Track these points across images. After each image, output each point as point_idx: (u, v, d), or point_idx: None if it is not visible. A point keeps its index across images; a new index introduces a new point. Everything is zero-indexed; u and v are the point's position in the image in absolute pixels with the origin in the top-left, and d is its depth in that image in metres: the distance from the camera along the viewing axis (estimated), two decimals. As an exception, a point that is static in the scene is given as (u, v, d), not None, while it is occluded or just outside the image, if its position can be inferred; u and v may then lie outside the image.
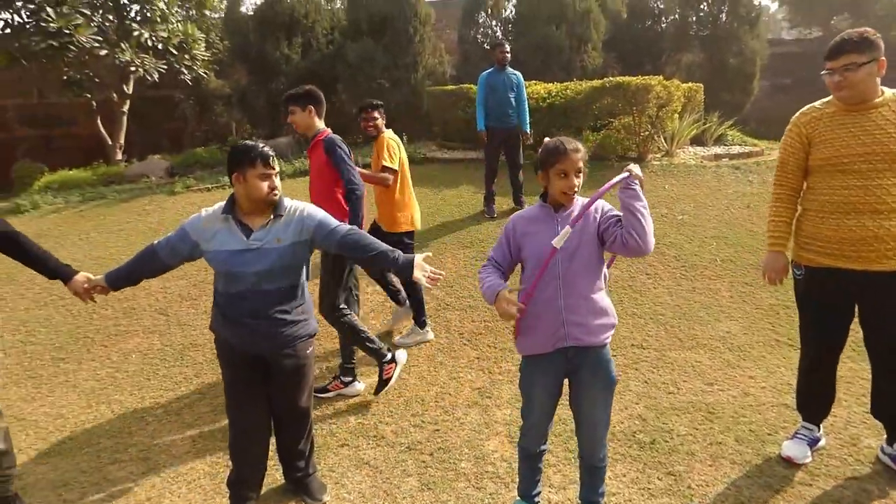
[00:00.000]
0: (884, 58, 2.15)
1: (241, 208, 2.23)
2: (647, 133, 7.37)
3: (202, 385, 3.66)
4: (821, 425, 2.61)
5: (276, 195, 2.21)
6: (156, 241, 2.30)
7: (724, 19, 11.51)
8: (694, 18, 11.78)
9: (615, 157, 7.18)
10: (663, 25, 12.22)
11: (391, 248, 2.26)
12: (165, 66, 10.34)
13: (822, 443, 2.60)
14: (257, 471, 2.39)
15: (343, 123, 11.14)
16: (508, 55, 5.85)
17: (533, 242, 2.02)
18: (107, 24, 9.76)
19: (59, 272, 2.36)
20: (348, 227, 2.30)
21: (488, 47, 11.75)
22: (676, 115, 7.79)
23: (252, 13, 11.07)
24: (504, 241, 2.09)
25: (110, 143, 11.04)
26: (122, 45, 9.73)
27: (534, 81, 8.16)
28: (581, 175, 1.98)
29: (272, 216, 2.23)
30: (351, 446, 2.90)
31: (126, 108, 11.22)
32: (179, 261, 2.29)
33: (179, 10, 10.69)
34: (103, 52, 9.57)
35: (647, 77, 7.34)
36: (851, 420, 2.83)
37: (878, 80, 2.20)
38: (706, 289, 4.56)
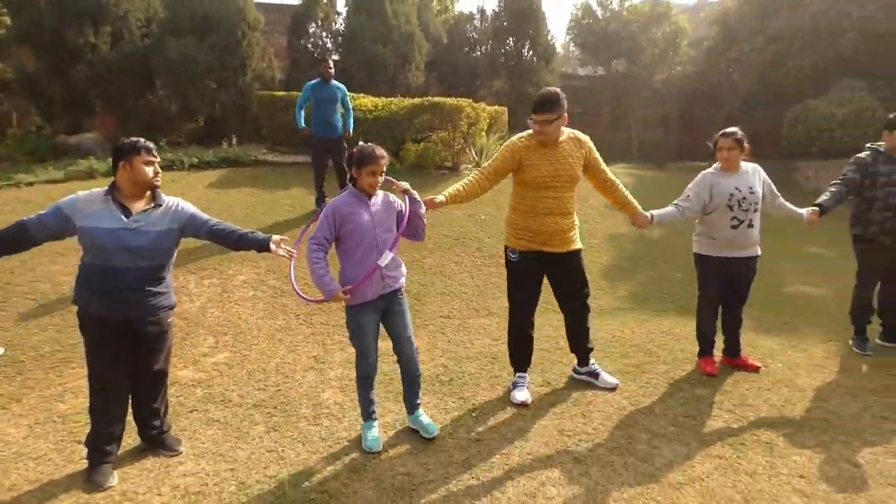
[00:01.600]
0: (566, 114, 3.17)
1: (123, 193, 2.56)
2: (459, 146, 8.58)
3: (28, 379, 3.65)
4: (527, 371, 3.52)
5: (158, 179, 2.62)
6: (26, 218, 2.49)
7: (525, 55, 13.52)
8: (502, 51, 13.63)
9: (433, 167, 8.24)
10: (478, 53, 13.88)
11: (250, 230, 2.80)
12: None
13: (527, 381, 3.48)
14: (117, 427, 2.69)
15: (162, 122, 10.68)
16: (332, 70, 6.37)
17: (354, 219, 2.73)
18: None
19: None
20: (216, 219, 2.79)
21: (317, 57, 12.23)
22: (484, 133, 9.16)
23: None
24: (328, 222, 2.73)
25: None
26: None
27: (361, 94, 8.89)
28: (382, 175, 2.74)
29: (153, 204, 2.61)
30: (200, 410, 3.29)
31: None
32: (46, 237, 2.51)
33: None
34: None
35: (459, 99, 8.57)
36: (545, 360, 3.94)
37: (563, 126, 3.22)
38: (499, 273, 5.68)
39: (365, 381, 2.91)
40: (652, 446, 2.86)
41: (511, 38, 13.67)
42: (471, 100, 8.93)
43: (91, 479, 2.58)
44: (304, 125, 6.33)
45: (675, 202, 3.62)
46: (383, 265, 2.70)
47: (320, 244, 2.73)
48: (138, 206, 2.60)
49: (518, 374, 3.50)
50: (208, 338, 4.24)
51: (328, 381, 3.67)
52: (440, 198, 3.01)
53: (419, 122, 8.46)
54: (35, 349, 3.95)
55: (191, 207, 2.76)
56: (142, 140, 2.61)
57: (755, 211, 3.55)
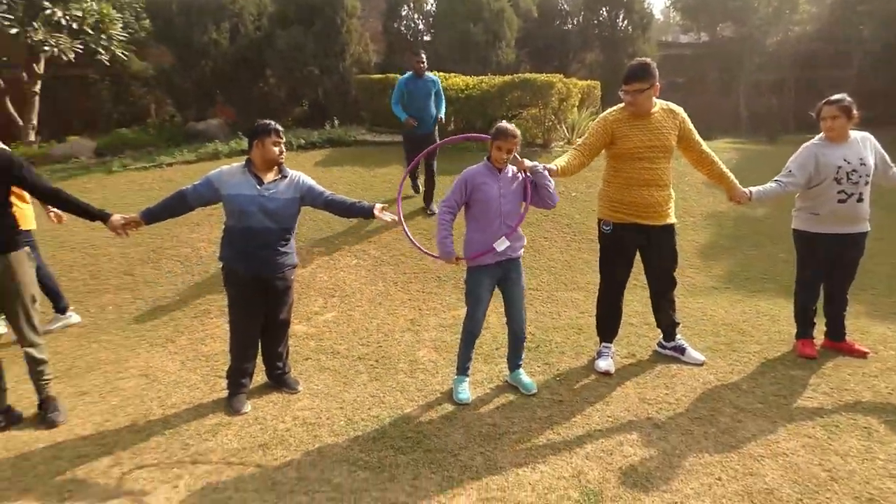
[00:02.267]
0: (658, 84, 3.21)
1: (256, 166, 3.04)
2: (550, 123, 8.57)
3: (179, 325, 4.36)
4: (612, 341, 3.63)
5: (283, 157, 3.07)
6: (183, 188, 3.04)
7: (620, 24, 13.03)
8: (595, 22, 13.22)
9: (524, 144, 8.32)
10: (569, 26, 13.57)
11: (358, 200, 3.21)
12: (81, 47, 10.19)
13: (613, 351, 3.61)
14: (251, 364, 3.22)
15: (273, 108, 11.61)
16: (424, 65, 5.99)
17: (483, 189, 3.00)
18: (16, 1, 9.52)
19: (99, 216, 3.01)
20: (329, 191, 3.21)
21: (411, 39, 12.61)
22: (575, 108, 9.07)
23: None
24: (460, 189, 3.04)
25: (21, 123, 10.70)
26: (34, 23, 9.55)
27: (453, 74, 9.12)
28: (511, 152, 2.98)
29: (280, 175, 3.08)
30: (313, 359, 3.77)
31: (37, 87, 10.92)
32: (198, 204, 3.04)
33: (93, -11, 10.48)
34: (13, 31, 9.37)
35: (550, 74, 8.54)
36: (632, 334, 4.00)
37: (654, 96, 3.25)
38: (588, 249, 5.77)
39: (469, 337, 3.20)
40: (736, 420, 2.90)
41: (604, 8, 13.20)
42: (562, 75, 8.86)
43: (230, 405, 3.13)
44: (405, 115, 6.00)
45: (776, 178, 3.51)
46: (499, 250, 2.98)
47: (451, 208, 3.05)
48: (269, 176, 3.07)
49: (603, 344, 3.63)
50: (318, 298, 4.75)
51: (423, 341, 4.02)
52: (553, 166, 3.15)
53: (510, 99, 8.55)
54: (182, 301, 4.68)
55: (309, 180, 3.19)
56: (272, 123, 3.06)
57: (866, 184, 3.36)
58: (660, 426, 2.85)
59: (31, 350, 3.03)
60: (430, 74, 6.15)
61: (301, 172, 3.22)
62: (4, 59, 10.20)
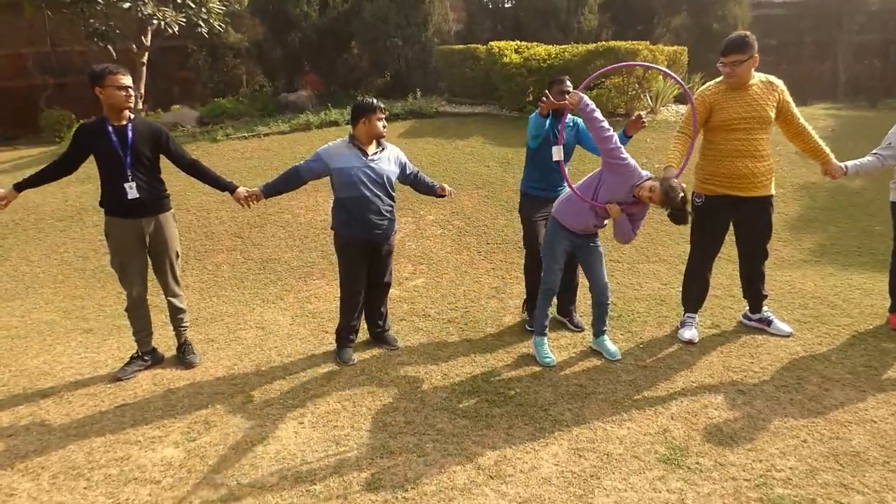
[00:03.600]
0: (756, 55, 3.18)
1: (360, 140, 3.34)
2: (634, 92, 8.38)
3: (286, 285, 4.84)
4: (697, 312, 3.69)
5: (385, 131, 3.37)
6: (297, 164, 3.40)
7: (710, -16, 12.25)
8: (683, -18, 12.49)
9: (605, 113, 8.21)
10: (655, -12, 12.91)
11: (433, 181, 3.57)
12: (184, 19, 10.95)
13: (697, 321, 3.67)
14: (358, 322, 3.59)
15: (356, 78, 12.01)
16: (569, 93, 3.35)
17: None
18: (128, -21, 10.33)
19: (227, 187, 3.44)
20: (417, 168, 3.57)
21: (490, 7, 12.50)
22: (660, 77, 8.78)
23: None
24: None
25: (131, 93, 11.67)
26: (144, -1, 10.35)
27: (535, 43, 9.05)
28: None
29: (380, 148, 3.38)
30: (407, 321, 4.11)
31: (145, 59, 11.87)
32: (310, 177, 3.38)
33: (195, -35, 11.17)
34: (126, 5, 10.21)
35: (634, 42, 8.31)
36: (716, 305, 4.02)
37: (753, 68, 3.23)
38: (669, 222, 5.72)
39: (547, 294, 3.39)
40: (823, 388, 2.95)
41: (695, -32, 12.43)
42: (647, 42, 8.58)
43: (340, 356, 3.51)
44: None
45: (875, 151, 3.41)
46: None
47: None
48: (371, 149, 3.36)
49: (687, 314, 3.71)
50: (408, 265, 5.09)
51: (507, 308, 4.26)
52: (671, 170, 3.24)
53: (592, 68, 8.40)
54: (287, 263, 5.18)
55: (403, 155, 3.53)
56: (376, 101, 3.33)
57: None
58: (745, 392, 2.95)
59: (174, 300, 3.53)
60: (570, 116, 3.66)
61: (397, 147, 3.52)
62: (118, 31, 11.13)
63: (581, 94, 2.98)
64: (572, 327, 3.84)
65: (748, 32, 3.25)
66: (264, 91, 12.39)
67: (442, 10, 11.37)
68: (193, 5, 10.90)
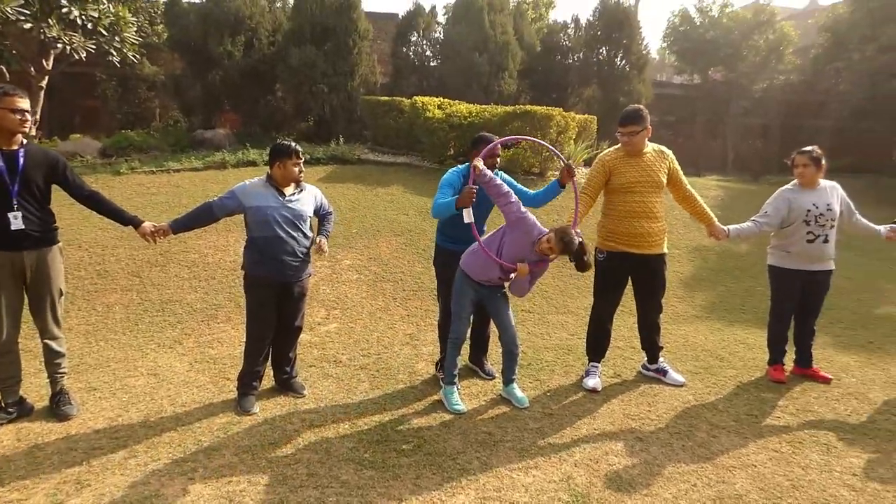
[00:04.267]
0: (649, 127, 3.54)
1: (277, 182, 3.27)
2: (547, 153, 8.93)
3: (186, 328, 4.53)
4: (600, 362, 3.87)
5: (302, 175, 3.34)
6: (210, 200, 3.26)
7: (618, 63, 13.56)
8: (595, 59, 13.74)
9: (521, 172, 8.65)
10: (570, 61, 14.08)
11: (325, 227, 3.59)
12: (94, 46, 10.39)
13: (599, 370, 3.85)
14: (262, 368, 3.41)
15: (279, 120, 11.90)
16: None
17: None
18: (33, -2, 9.75)
19: (131, 221, 3.22)
20: (331, 210, 3.59)
21: (417, 64, 13.01)
22: (572, 141, 9.44)
23: (194, 6, 11.44)
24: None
25: (24, 118, 10.80)
26: (50, 20, 9.77)
27: (457, 101, 9.47)
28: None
29: (299, 188, 3.34)
30: (317, 367, 3.96)
31: (44, 83, 11.08)
32: (223, 215, 3.25)
33: (109, -9, 10.74)
34: (28, 26, 9.58)
35: (549, 108, 8.92)
36: (618, 356, 4.26)
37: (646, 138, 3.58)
38: (579, 275, 5.96)
39: (456, 342, 3.41)
40: (711, 435, 3.15)
41: (604, 47, 13.72)
42: (561, 108, 9.25)
43: (240, 405, 3.30)
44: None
45: (753, 218, 3.84)
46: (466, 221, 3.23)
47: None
48: (289, 190, 3.31)
49: (591, 364, 3.87)
50: (321, 310, 4.95)
51: (421, 354, 4.23)
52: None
53: (510, 128, 8.89)
54: (189, 305, 4.85)
55: (322, 196, 3.53)
56: (293, 144, 3.29)
57: (831, 227, 3.71)
58: (642, 439, 3.08)
59: (52, 343, 3.18)
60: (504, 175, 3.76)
61: (314, 187, 3.51)
62: (14, 52, 10.36)
63: (479, 164, 3.16)
64: (484, 375, 3.86)
65: (642, 106, 3.62)
66: (178, 126, 11.94)
67: (369, 62, 11.66)
68: (106, 33, 10.42)
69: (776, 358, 3.96)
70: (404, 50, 12.83)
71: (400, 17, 13.31)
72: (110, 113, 13.35)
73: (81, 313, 4.70)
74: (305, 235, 3.35)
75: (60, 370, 3.24)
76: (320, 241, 3.40)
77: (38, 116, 10.89)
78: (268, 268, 3.25)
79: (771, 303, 3.99)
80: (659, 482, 2.68)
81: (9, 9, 9.05)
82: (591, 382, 3.71)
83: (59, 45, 9.98)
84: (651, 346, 3.89)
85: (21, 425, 3.07)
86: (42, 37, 9.66)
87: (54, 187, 3.15)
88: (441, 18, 13.43)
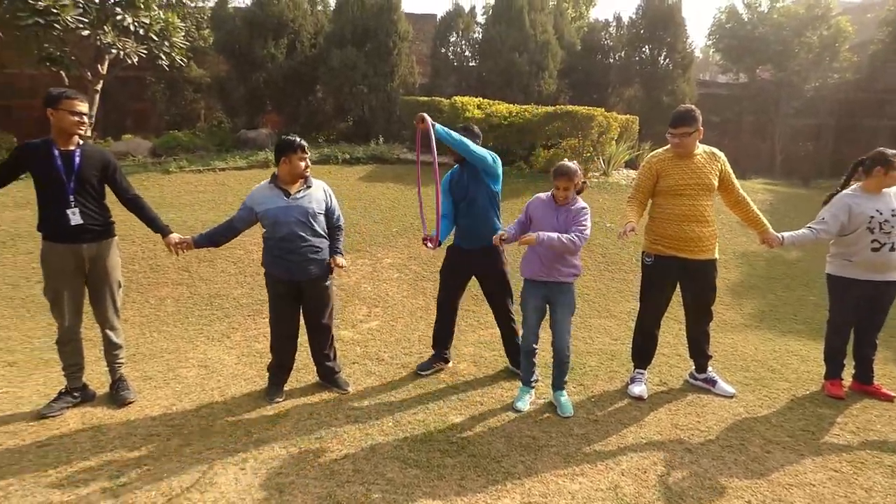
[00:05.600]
0: (701, 128, 3.44)
1: (282, 180, 3.29)
2: (588, 154, 8.80)
3: (233, 322, 4.65)
4: (646, 369, 3.80)
5: (308, 171, 3.33)
6: (231, 218, 3.33)
7: (661, 62, 13.27)
8: (637, 58, 13.48)
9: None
10: (611, 61, 13.86)
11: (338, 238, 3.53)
12: (145, 51, 10.82)
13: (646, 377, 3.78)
14: (288, 361, 3.51)
15: (319, 121, 12.10)
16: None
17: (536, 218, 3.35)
18: (90, 6, 10.18)
19: (162, 229, 3.34)
20: (341, 218, 3.54)
21: (456, 65, 13.03)
22: (614, 142, 9.29)
23: (239, 11, 11.76)
24: (522, 217, 3.42)
25: (82, 119, 11.27)
26: (105, 27, 10.21)
27: (497, 101, 9.44)
28: (568, 189, 3.23)
29: (305, 186, 3.33)
30: (360, 363, 4.01)
31: (99, 87, 11.55)
32: (244, 226, 3.32)
33: (160, -2, 11.16)
34: (85, 33, 10.02)
35: (591, 108, 8.80)
36: (663, 363, 4.14)
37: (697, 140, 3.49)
38: (622, 279, 5.93)
39: (523, 352, 3.50)
40: (765, 450, 3.03)
41: (647, 46, 13.44)
42: (602, 108, 9.11)
43: (266, 394, 3.44)
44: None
45: (809, 224, 3.67)
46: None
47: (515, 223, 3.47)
48: (294, 188, 3.31)
49: (637, 370, 3.79)
50: (363, 307, 5.01)
51: (462, 355, 4.23)
52: (631, 225, 3.37)
53: (550, 129, 8.81)
54: (236, 300, 4.99)
55: (332, 195, 3.47)
56: (298, 139, 3.27)
57: None
58: (691, 450, 3.00)
59: (111, 333, 3.33)
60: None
61: (324, 183, 3.48)
62: (73, 58, 10.85)
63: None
64: (442, 361, 3.94)
65: (694, 107, 3.51)
66: (223, 127, 12.29)
67: (409, 63, 11.74)
68: (156, 38, 10.82)
69: (834, 372, 3.78)
70: (443, 50, 12.86)
71: (439, 17, 13.36)
72: (159, 114, 13.84)
73: (136, 305, 4.89)
74: (317, 233, 3.32)
75: (119, 360, 3.38)
76: (335, 259, 3.40)
77: (93, 118, 11.42)
78: (281, 267, 3.30)
79: (829, 314, 3.81)
80: (710, 497, 2.60)
81: (69, 17, 9.53)
82: (638, 390, 3.63)
83: (114, 51, 10.44)
84: (700, 354, 3.78)
85: (85, 410, 3.22)
86: (98, 43, 10.12)
87: None
88: (480, 18, 13.44)
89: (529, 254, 3.38)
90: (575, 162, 3.30)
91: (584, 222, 3.25)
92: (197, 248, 3.38)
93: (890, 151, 3.54)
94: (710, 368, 3.80)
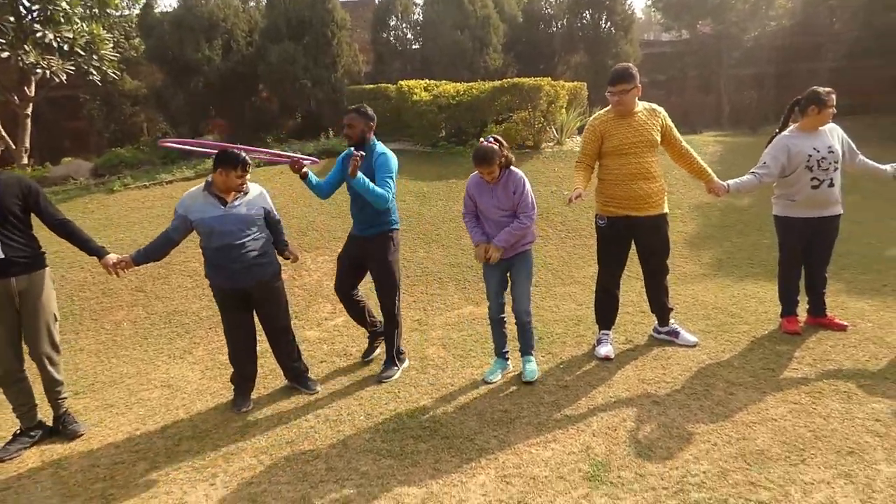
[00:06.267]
0: (639, 85, 3.45)
1: (218, 188, 3.14)
2: (540, 125, 8.81)
3: (194, 337, 4.53)
4: (611, 329, 3.86)
5: (244, 188, 3.19)
6: (167, 229, 3.18)
7: (603, 26, 13.32)
8: (579, 24, 13.50)
9: (514, 146, 8.56)
10: (553, 30, 13.85)
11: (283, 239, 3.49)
12: (73, 68, 10.30)
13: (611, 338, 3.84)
14: (249, 370, 3.44)
15: (266, 121, 11.80)
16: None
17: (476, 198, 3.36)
18: (6, 25, 9.62)
19: (97, 251, 3.17)
20: (280, 223, 3.46)
21: (399, 48, 12.84)
22: (564, 110, 9.31)
23: (166, 15, 11.28)
24: (467, 199, 3.42)
25: (14, 147, 10.75)
26: (25, 46, 9.67)
27: (444, 81, 9.34)
28: (492, 172, 3.21)
29: (242, 193, 3.19)
30: (328, 362, 3.96)
31: (29, 110, 10.98)
32: (183, 235, 3.18)
33: (81, 10, 10.59)
34: (4, 55, 9.47)
35: (538, 78, 8.78)
36: (628, 322, 4.23)
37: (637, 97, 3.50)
38: (583, 245, 5.99)
39: (491, 322, 3.54)
40: (728, 393, 3.12)
41: (587, 11, 13.48)
42: (549, 78, 9.11)
43: (233, 404, 3.38)
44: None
45: (752, 170, 3.74)
46: None
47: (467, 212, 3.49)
48: (231, 196, 3.16)
49: (602, 332, 3.84)
50: (326, 305, 4.94)
51: (430, 339, 4.22)
52: (578, 191, 3.40)
53: (499, 104, 8.77)
54: (196, 314, 4.85)
55: (270, 202, 3.36)
56: (242, 156, 3.06)
57: (835, 170, 3.61)
58: (659, 403, 3.06)
59: (51, 369, 3.13)
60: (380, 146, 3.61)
61: (262, 189, 3.34)
62: None
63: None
64: (377, 329, 3.92)
65: (631, 64, 3.52)
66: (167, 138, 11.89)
67: (351, 51, 11.51)
68: (83, 53, 10.30)
69: (789, 309, 3.91)
70: (384, 35, 12.64)
71: (377, 2, 13.11)
72: (98, 132, 13.28)
73: (90, 333, 4.72)
74: (255, 238, 3.22)
75: (61, 396, 3.23)
76: (289, 251, 3.41)
77: (27, 144, 10.87)
78: (223, 276, 3.21)
79: (779, 254, 3.92)
80: (678, 444, 2.66)
81: (-17, 40, 8.96)
82: (604, 350, 3.69)
83: (39, 71, 9.90)
84: (660, 308, 3.85)
85: (44, 447, 3.10)
86: (21, 64, 9.58)
87: None
88: (418, -1, 13.24)
89: (483, 236, 3.40)
90: (491, 138, 3.25)
91: (524, 199, 3.27)
92: (137, 266, 3.21)
93: (822, 90, 3.61)
94: (672, 320, 3.88)
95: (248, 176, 3.19)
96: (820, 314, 3.91)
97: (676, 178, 7.45)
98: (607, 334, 3.83)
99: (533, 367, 3.47)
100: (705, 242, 6.18)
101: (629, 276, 4.12)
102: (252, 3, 12.13)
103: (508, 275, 3.47)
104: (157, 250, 3.21)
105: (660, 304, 3.83)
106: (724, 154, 9.09)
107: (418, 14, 12.94)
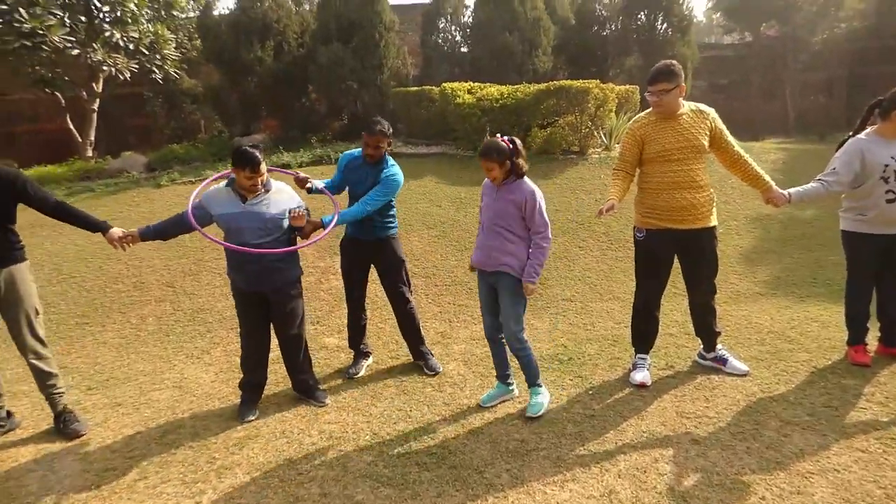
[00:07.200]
0: (683, 84, 3.09)
1: (239, 185, 2.99)
2: (587, 129, 8.41)
3: (215, 337, 4.45)
4: (649, 353, 3.46)
5: (256, 189, 2.98)
6: (184, 210, 3.06)
7: (659, 28, 12.71)
8: (634, 26, 12.94)
9: (559, 151, 8.19)
10: (607, 32, 13.33)
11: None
12: (137, 66, 10.76)
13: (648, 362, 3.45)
14: (259, 377, 3.31)
15: (315, 121, 11.89)
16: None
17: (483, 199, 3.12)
18: (78, 24, 10.12)
19: (99, 226, 3.06)
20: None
21: (448, 51, 12.67)
22: (613, 114, 8.86)
23: (224, 17, 11.60)
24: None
25: (80, 139, 11.33)
26: (94, 45, 10.15)
27: (488, 84, 9.09)
28: (492, 170, 2.90)
29: (263, 190, 3.03)
30: (343, 372, 3.76)
31: (96, 105, 11.53)
32: (199, 223, 3.02)
33: (149, 11, 11.08)
34: (75, 52, 9.95)
35: (586, 81, 8.38)
36: (670, 344, 3.81)
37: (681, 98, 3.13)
38: (626, 258, 5.57)
39: (488, 340, 3.23)
40: (782, 434, 2.71)
41: (643, 12, 12.89)
42: (598, 81, 8.69)
43: (238, 412, 3.23)
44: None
45: (819, 177, 3.29)
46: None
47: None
48: (251, 193, 3.01)
49: (639, 356, 3.47)
50: (349, 311, 4.76)
51: (452, 354, 3.96)
52: (610, 203, 3.09)
53: (545, 107, 8.43)
54: (219, 313, 4.79)
55: (295, 195, 3.18)
56: (251, 155, 2.88)
57: None
58: (699, 442, 2.68)
59: (38, 363, 3.05)
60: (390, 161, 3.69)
61: (287, 187, 3.19)
62: (66, 79, 10.84)
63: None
64: (427, 371, 3.68)
65: (674, 62, 3.16)
66: (222, 136, 12.18)
67: (398, 54, 11.43)
68: (147, 52, 10.74)
69: (857, 337, 3.41)
70: (433, 37, 12.51)
71: (427, 3, 13.00)
72: (159, 129, 13.80)
73: (116, 326, 4.73)
74: (277, 241, 3.05)
75: (56, 390, 3.14)
76: (297, 212, 3.07)
77: (92, 138, 11.42)
78: (238, 276, 3.09)
79: (847, 273, 3.44)
80: (719, 495, 2.29)
81: (56, 37, 9.45)
82: (639, 377, 3.32)
83: (105, 68, 10.40)
84: (707, 331, 3.44)
85: (41, 447, 3.03)
86: (89, 62, 10.06)
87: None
88: (469, 1, 13.05)
89: (477, 240, 3.13)
90: (507, 138, 2.92)
91: (539, 221, 2.92)
92: (143, 241, 3.12)
93: None
94: (719, 346, 3.46)
95: (265, 177, 3.03)
96: (893, 344, 3.39)
97: (733, 186, 6.89)
98: (644, 358, 3.46)
99: (537, 401, 3.08)
100: (763, 258, 5.63)
101: (675, 292, 3.74)
102: (306, 6, 12.29)
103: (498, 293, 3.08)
104: (169, 228, 3.12)
105: (706, 326, 3.43)
106: (787, 161, 8.38)
107: (468, 16, 12.75)
